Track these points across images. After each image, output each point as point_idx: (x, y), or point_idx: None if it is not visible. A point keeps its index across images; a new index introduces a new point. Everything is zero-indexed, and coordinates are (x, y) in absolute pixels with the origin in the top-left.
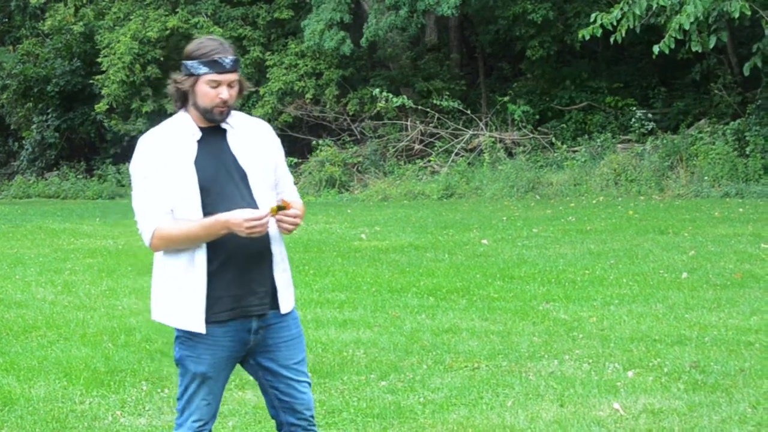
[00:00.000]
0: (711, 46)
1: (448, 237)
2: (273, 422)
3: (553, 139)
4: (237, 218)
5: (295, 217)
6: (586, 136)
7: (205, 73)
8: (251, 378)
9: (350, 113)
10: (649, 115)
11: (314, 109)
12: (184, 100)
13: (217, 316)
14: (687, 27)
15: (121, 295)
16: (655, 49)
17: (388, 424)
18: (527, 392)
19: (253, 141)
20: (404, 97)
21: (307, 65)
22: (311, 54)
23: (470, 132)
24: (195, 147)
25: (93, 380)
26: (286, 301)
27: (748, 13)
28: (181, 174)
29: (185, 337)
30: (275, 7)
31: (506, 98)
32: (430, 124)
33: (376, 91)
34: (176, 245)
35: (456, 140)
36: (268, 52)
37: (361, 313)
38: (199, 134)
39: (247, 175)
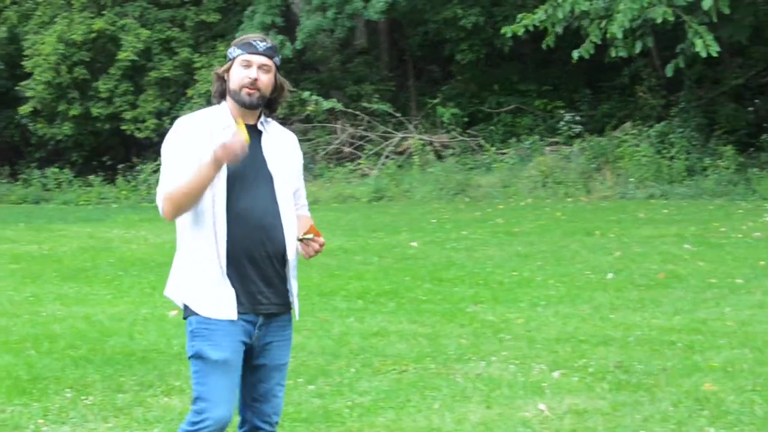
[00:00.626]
0: (637, 51)
1: (377, 240)
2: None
3: (482, 142)
4: (219, 146)
5: (321, 245)
6: (515, 139)
7: (239, 55)
8: (177, 384)
9: (280, 116)
10: (577, 118)
11: None
12: (223, 94)
13: (239, 307)
14: (619, 36)
15: (45, 302)
16: (575, 54)
17: (316, 428)
18: (454, 394)
19: (283, 149)
20: (334, 100)
21: None
22: None
23: (400, 135)
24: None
25: (15, 388)
26: (297, 307)
27: (671, 18)
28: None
29: (202, 328)
30: (203, 10)
31: (436, 101)
32: (360, 127)
33: (306, 94)
34: (181, 200)
35: (386, 143)
36: (197, 54)
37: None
38: (233, 125)
39: (273, 180)
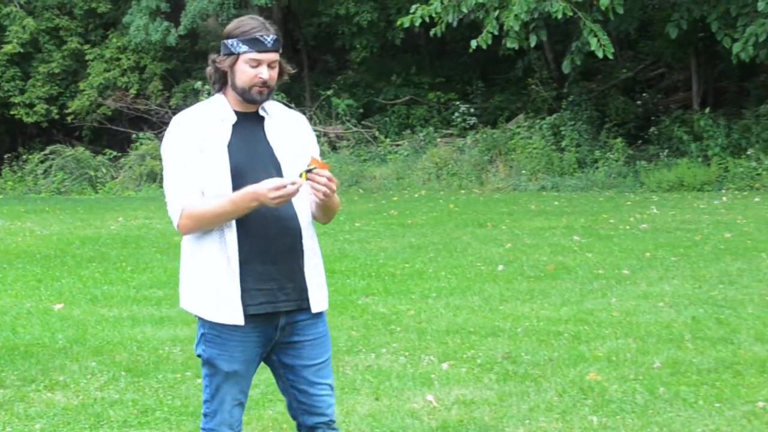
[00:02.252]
0: (533, 44)
1: None
2: (80, 424)
3: (377, 133)
4: (264, 187)
5: (329, 179)
6: (409, 131)
7: (245, 52)
8: (61, 378)
9: (172, 106)
10: (471, 110)
11: (136, 101)
12: (223, 81)
13: (246, 310)
14: (516, 28)
15: None
16: (473, 43)
17: None
18: (343, 386)
19: (290, 132)
20: None
21: (129, 59)
22: (133, 47)
23: None
24: (229, 131)
25: None
26: (318, 301)
27: (570, 13)
28: (212, 157)
29: (214, 335)
30: None
31: (330, 92)
32: None
33: (198, 84)
34: (205, 224)
35: None
36: (87, 44)
37: (178, 310)
38: (234, 118)
39: (281, 166)
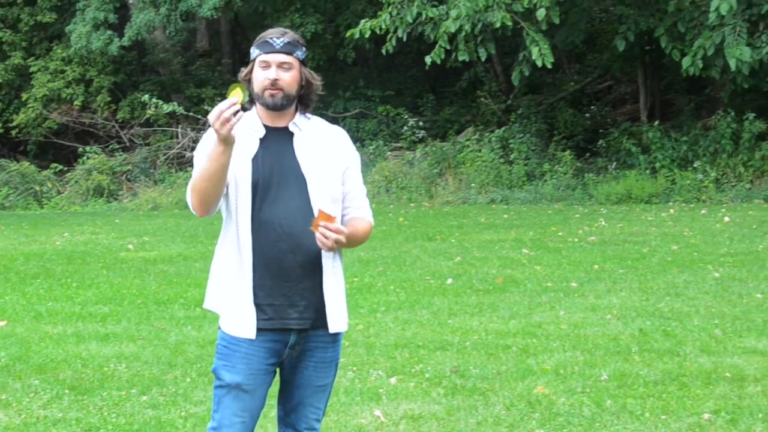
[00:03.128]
0: (483, 58)
1: (204, 245)
2: None
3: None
4: (210, 119)
5: (337, 232)
6: (359, 144)
7: (258, 56)
8: (3, 397)
9: (119, 120)
10: (420, 123)
11: (82, 115)
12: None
13: (259, 324)
14: (452, 30)
15: None
16: (428, 59)
17: None
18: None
19: (323, 148)
20: (175, 103)
21: (74, 71)
22: (78, 59)
23: None
24: (256, 144)
25: None
26: (335, 320)
27: (509, 23)
28: (236, 169)
29: (223, 345)
30: (37, 10)
31: None
32: (202, 132)
33: (146, 97)
34: (202, 189)
35: None
36: (32, 57)
37: (124, 326)
38: (262, 132)
39: (307, 182)
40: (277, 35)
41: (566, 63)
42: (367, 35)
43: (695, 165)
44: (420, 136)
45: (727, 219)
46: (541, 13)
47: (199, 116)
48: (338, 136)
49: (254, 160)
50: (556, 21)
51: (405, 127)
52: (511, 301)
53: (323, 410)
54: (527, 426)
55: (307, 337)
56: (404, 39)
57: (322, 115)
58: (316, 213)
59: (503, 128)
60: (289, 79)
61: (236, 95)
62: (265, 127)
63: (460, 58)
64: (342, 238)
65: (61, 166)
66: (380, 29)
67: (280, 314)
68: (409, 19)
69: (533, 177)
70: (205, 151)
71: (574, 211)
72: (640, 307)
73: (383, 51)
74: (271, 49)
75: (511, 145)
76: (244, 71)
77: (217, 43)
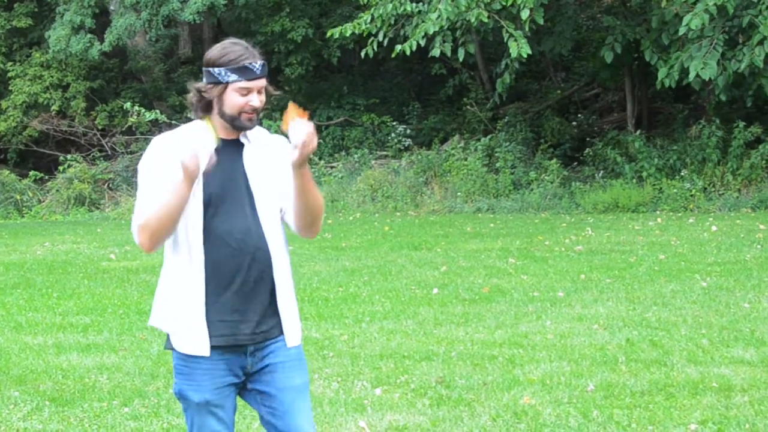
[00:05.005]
0: (461, 57)
1: None
2: None
3: (311, 155)
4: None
5: (310, 130)
6: (344, 152)
7: (235, 81)
8: None
9: (100, 127)
10: (406, 132)
11: (62, 123)
12: (207, 109)
13: (212, 341)
14: (431, 32)
15: None
16: (397, 48)
17: None
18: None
19: (268, 160)
20: (157, 111)
21: (52, 76)
22: (57, 65)
23: None
24: (207, 157)
25: None
26: (291, 334)
27: (486, 20)
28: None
29: (182, 365)
30: (14, 15)
31: (262, 114)
32: None
33: (128, 104)
34: (155, 226)
35: None
36: (10, 62)
37: (106, 337)
38: (213, 145)
39: (255, 198)
40: (251, 58)
41: (553, 71)
42: (347, 34)
43: (682, 174)
44: (405, 144)
45: (714, 228)
46: (525, 14)
47: (182, 124)
48: (281, 145)
49: (205, 173)
50: (540, 21)
51: (390, 136)
52: (497, 311)
53: (309, 420)
54: None
55: (266, 344)
56: (385, 43)
57: None
58: (263, 225)
59: (489, 136)
60: (263, 100)
61: (297, 115)
62: (222, 139)
63: (432, 54)
64: (314, 140)
65: (40, 174)
66: (361, 31)
67: (233, 330)
68: (390, 18)
69: (519, 186)
70: (163, 186)
71: (560, 220)
72: (627, 317)
73: (363, 54)
74: (252, 76)
75: (497, 154)
76: (207, 89)
77: (200, 50)
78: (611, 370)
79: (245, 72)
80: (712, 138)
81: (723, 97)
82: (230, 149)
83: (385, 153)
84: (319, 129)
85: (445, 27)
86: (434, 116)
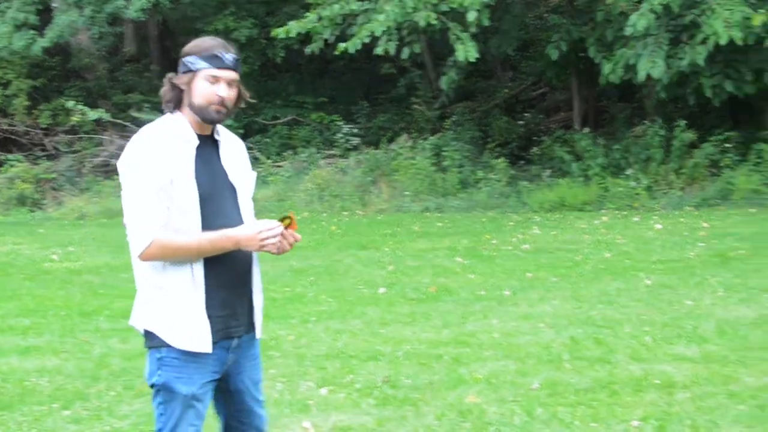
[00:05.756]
0: (405, 56)
1: None
2: None
3: (258, 154)
4: (248, 233)
5: (295, 241)
6: (291, 152)
7: (204, 68)
8: None
9: (42, 126)
10: (354, 131)
11: (2, 121)
12: (178, 101)
13: (212, 336)
14: (378, 33)
15: None
16: (341, 46)
17: None
18: (216, 415)
19: (237, 156)
20: (101, 110)
21: None
22: None
23: None
24: (193, 155)
25: None
26: (260, 326)
27: (434, 22)
28: (182, 184)
29: (172, 358)
30: None
31: None
32: (129, 139)
33: (71, 103)
34: (175, 257)
35: None
36: None
37: (47, 339)
38: (196, 141)
39: (237, 191)
40: (223, 49)
41: (500, 70)
42: (293, 34)
43: (627, 173)
44: (354, 143)
45: (658, 226)
46: (471, 15)
47: (127, 123)
48: (242, 145)
49: (196, 173)
50: (486, 22)
51: (338, 135)
52: (444, 310)
53: (265, 412)
54: None
55: (241, 340)
56: (330, 40)
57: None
58: (245, 220)
59: (437, 135)
60: (234, 96)
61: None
62: (197, 135)
63: (376, 52)
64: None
65: None
66: (307, 30)
67: (226, 324)
68: (336, 17)
69: (467, 184)
70: (206, 240)
71: (507, 218)
72: (572, 315)
73: (308, 51)
74: (222, 65)
75: (444, 153)
76: (178, 77)
77: (145, 48)
78: (556, 368)
79: (215, 60)
80: (655, 137)
81: (664, 95)
82: (209, 145)
83: (332, 152)
84: (265, 128)
85: (393, 27)
86: (382, 115)
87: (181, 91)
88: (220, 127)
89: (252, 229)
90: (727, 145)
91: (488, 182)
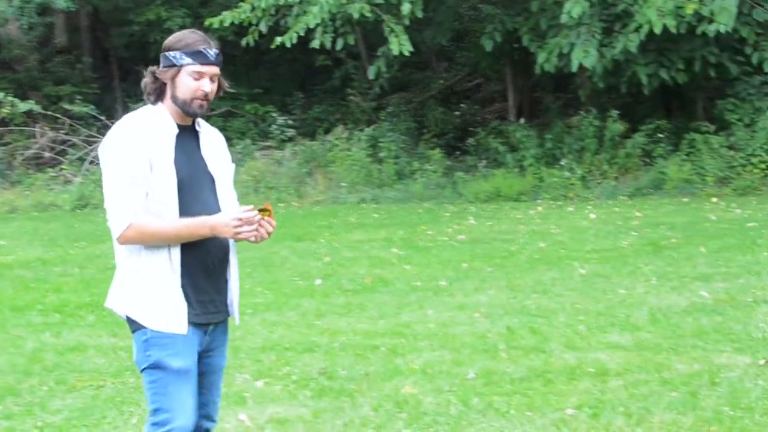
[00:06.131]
0: (339, 47)
1: (79, 250)
2: None
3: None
4: (224, 220)
5: (273, 228)
6: (227, 143)
7: (189, 64)
8: None
9: None
10: (289, 122)
11: None
12: (159, 93)
13: (189, 318)
14: (312, 25)
15: None
16: (277, 39)
17: None
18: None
19: (217, 148)
20: (32, 101)
21: None
22: None
23: None
24: (173, 143)
25: None
26: (237, 312)
27: (369, 15)
28: (161, 170)
29: (158, 338)
30: None
31: (141, 105)
32: (62, 131)
33: (0, 95)
34: (152, 241)
35: (90, 147)
36: None
37: None
38: (176, 130)
39: (215, 181)
40: (206, 45)
41: (435, 61)
42: (227, 24)
43: (562, 163)
44: (289, 134)
45: (593, 216)
46: (406, 8)
47: (58, 116)
48: (220, 136)
49: (175, 160)
50: (419, 14)
51: (274, 126)
52: (379, 301)
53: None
54: (394, 426)
55: (217, 326)
56: (264, 31)
57: None
58: (222, 208)
59: (373, 127)
60: (215, 89)
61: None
62: (177, 125)
63: (313, 45)
64: (273, 230)
65: None
66: (241, 20)
67: (205, 309)
68: (270, 8)
69: (403, 176)
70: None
71: (444, 209)
72: (507, 305)
73: (244, 43)
74: (206, 60)
75: (380, 144)
76: (161, 71)
77: (76, 39)
78: (491, 357)
79: (199, 56)
80: (589, 128)
81: (600, 84)
82: (188, 135)
83: (268, 144)
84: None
85: (327, 19)
86: (318, 107)
87: (164, 84)
88: (200, 119)
89: (227, 216)
90: (659, 135)
91: (424, 173)
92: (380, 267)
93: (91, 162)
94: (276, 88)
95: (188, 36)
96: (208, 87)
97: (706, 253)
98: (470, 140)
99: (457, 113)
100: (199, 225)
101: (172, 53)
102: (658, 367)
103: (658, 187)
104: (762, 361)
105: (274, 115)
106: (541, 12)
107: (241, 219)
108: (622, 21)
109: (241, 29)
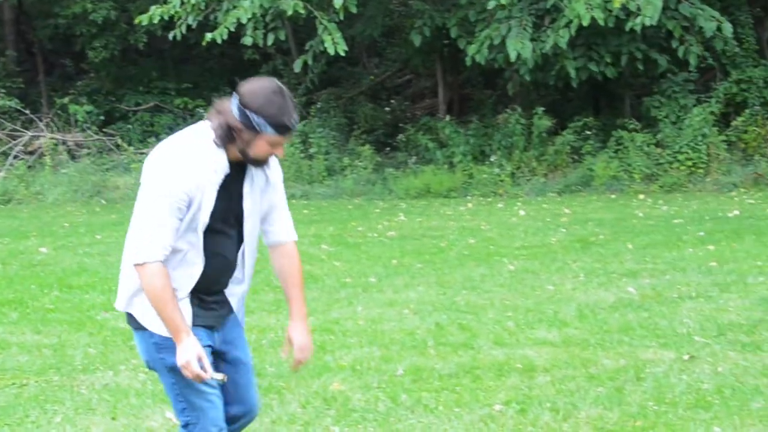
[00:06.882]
0: (270, 43)
1: (2, 246)
2: None
3: (120, 141)
4: (187, 352)
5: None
6: (155, 138)
7: (271, 134)
8: None
9: None
10: None
11: None
12: (230, 139)
13: (195, 320)
14: (244, 20)
15: None
16: (208, 36)
17: None
18: (78, 407)
19: (264, 182)
20: None
21: None
22: None
23: (30, 133)
24: (220, 182)
25: None
26: (241, 314)
27: (303, 12)
28: (199, 210)
29: (168, 340)
30: None
31: (67, 99)
32: None
33: None
34: (147, 294)
35: (14, 142)
36: None
37: None
38: (227, 171)
39: (244, 215)
40: (290, 114)
41: (366, 56)
42: (155, 20)
43: (491, 159)
44: None
45: (522, 212)
46: (338, 3)
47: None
48: (278, 170)
49: (215, 201)
50: (353, 10)
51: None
52: (309, 298)
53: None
54: (322, 423)
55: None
56: (193, 26)
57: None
58: (246, 242)
59: (303, 122)
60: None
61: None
62: (229, 162)
63: (244, 42)
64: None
65: None
66: (170, 15)
67: (206, 318)
68: (200, 3)
69: (334, 172)
70: (171, 317)
71: (374, 206)
72: (436, 301)
73: (171, 36)
74: (288, 133)
75: (311, 140)
76: (240, 129)
77: (1, 31)
78: (420, 354)
79: (283, 129)
80: (517, 125)
81: (528, 78)
82: (237, 171)
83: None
84: (127, 115)
85: (258, 14)
86: None
87: (236, 134)
88: None
89: (192, 352)
90: (587, 132)
91: (354, 169)
92: (310, 263)
93: (15, 157)
94: (205, 82)
95: (274, 100)
96: (282, 152)
97: (633, 250)
98: (400, 136)
99: (387, 109)
100: (176, 330)
101: (256, 118)
102: (585, 363)
103: (587, 184)
104: (686, 357)
105: (202, 110)
106: (470, 5)
107: (192, 371)
108: (551, 16)
109: (170, 23)
